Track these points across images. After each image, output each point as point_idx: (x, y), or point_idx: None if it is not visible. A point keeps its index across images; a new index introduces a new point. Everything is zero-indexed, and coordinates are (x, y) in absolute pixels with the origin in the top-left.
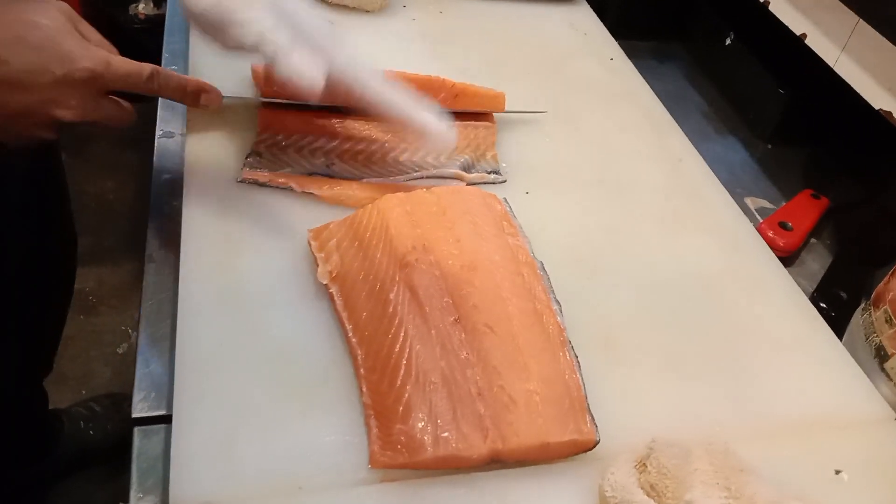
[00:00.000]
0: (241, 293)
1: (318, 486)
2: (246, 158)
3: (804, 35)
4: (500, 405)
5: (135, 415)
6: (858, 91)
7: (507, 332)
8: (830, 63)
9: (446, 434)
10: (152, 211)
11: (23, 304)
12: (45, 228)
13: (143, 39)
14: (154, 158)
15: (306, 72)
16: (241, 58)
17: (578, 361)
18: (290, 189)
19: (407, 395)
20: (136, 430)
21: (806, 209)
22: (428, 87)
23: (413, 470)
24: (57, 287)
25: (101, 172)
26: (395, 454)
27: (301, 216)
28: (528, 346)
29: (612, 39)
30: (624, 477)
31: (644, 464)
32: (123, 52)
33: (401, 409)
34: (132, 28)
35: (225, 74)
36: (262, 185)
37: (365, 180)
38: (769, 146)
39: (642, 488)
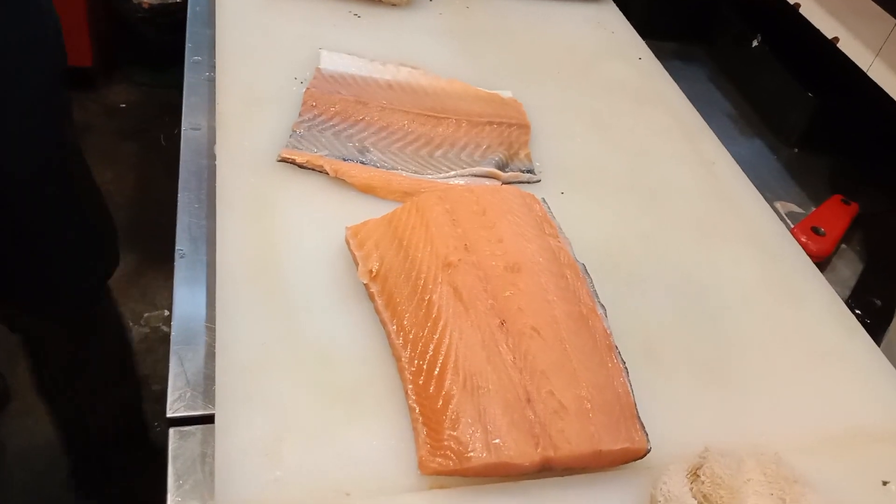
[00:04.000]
0: (280, 290)
1: (367, 493)
2: (289, 139)
3: (836, 39)
4: (551, 411)
5: (170, 414)
6: (895, 98)
7: (554, 336)
8: (864, 68)
9: (497, 441)
10: (180, 205)
11: None
12: None
13: (145, 30)
14: (181, 151)
15: None
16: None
17: (626, 367)
18: (324, 173)
19: (455, 399)
20: (172, 431)
21: (837, 214)
22: None
23: (462, 477)
24: None
25: (99, 163)
26: (444, 460)
27: (335, 205)
28: (576, 350)
29: (640, 39)
30: (677, 486)
31: (696, 473)
32: (125, 44)
33: (449, 413)
34: (136, 18)
35: (253, 64)
36: (300, 166)
37: (397, 172)
38: (795, 150)
39: (695, 498)
